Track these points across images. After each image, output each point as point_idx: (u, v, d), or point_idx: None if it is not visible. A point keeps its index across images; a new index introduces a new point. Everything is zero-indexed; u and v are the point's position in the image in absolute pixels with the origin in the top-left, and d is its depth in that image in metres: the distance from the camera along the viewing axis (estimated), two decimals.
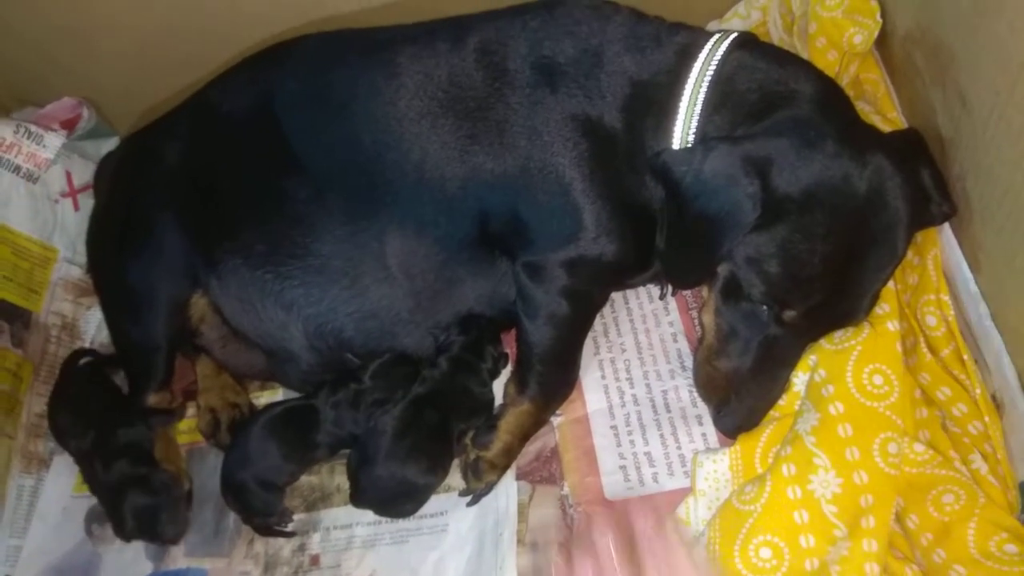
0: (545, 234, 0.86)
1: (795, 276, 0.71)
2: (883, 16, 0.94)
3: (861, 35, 0.94)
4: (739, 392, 0.78)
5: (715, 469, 0.83)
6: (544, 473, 0.94)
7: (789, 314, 0.73)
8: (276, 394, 1.10)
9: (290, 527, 0.98)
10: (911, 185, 0.73)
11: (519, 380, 0.93)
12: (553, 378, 0.92)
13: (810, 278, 0.71)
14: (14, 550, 1.01)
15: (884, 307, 0.79)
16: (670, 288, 1.01)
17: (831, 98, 0.78)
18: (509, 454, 0.92)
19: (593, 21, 0.85)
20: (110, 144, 1.26)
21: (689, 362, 0.95)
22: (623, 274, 0.92)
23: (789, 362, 0.79)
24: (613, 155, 0.84)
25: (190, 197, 0.99)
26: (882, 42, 0.97)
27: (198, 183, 1.00)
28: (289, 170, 0.95)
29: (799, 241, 0.70)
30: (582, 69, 0.84)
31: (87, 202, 1.20)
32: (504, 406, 0.93)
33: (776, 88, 0.78)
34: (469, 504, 0.92)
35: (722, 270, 0.76)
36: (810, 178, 0.70)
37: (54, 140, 1.15)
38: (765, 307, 0.74)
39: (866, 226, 0.71)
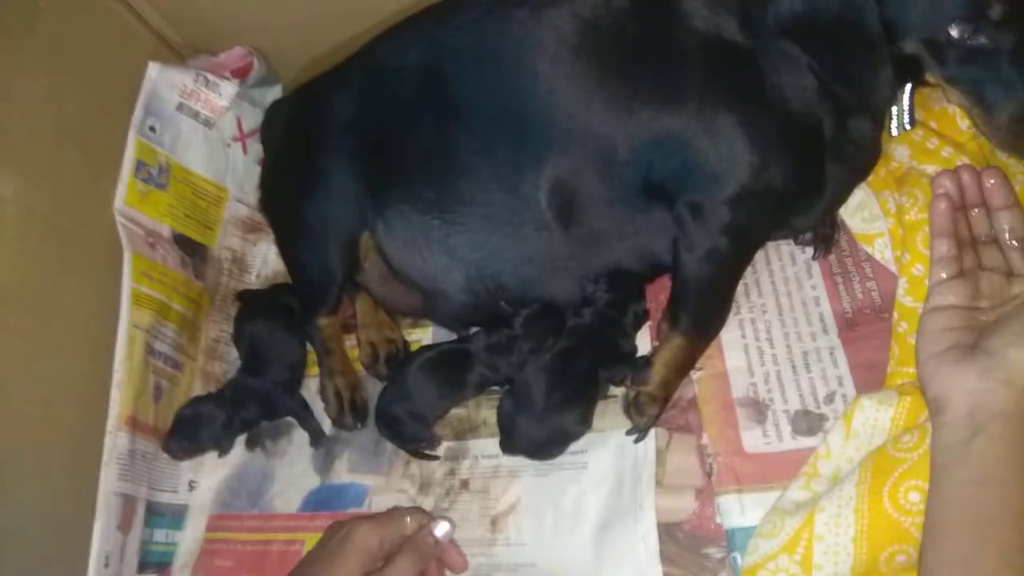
0: (709, 173, 0.88)
1: None
2: None
3: None
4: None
5: (876, 416, 0.85)
6: (681, 421, 0.99)
7: (997, 10, 0.69)
8: (426, 332, 1.18)
9: (439, 452, 1.07)
10: None
11: (672, 316, 0.97)
12: (707, 313, 0.96)
13: None
14: (196, 461, 1.14)
15: None
16: (814, 252, 1.03)
17: None
18: (667, 387, 0.96)
19: None
20: (274, 92, 1.35)
21: (831, 325, 0.97)
22: (789, 206, 0.93)
23: None
24: (757, 69, 0.85)
25: (362, 147, 1.07)
26: None
27: (369, 134, 1.07)
28: (457, 123, 1.01)
29: None
30: None
31: (254, 146, 1.31)
32: (658, 344, 0.99)
33: None
34: (636, 441, 0.97)
35: (909, 48, 0.75)
36: None
37: (229, 88, 1.24)
38: (974, 26, 0.70)
39: None
